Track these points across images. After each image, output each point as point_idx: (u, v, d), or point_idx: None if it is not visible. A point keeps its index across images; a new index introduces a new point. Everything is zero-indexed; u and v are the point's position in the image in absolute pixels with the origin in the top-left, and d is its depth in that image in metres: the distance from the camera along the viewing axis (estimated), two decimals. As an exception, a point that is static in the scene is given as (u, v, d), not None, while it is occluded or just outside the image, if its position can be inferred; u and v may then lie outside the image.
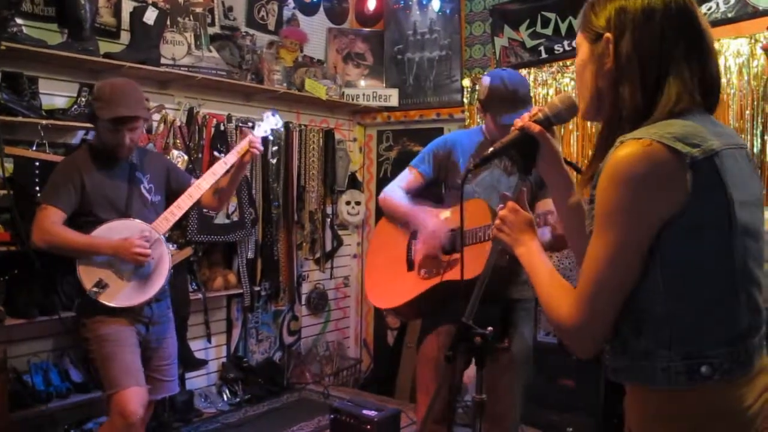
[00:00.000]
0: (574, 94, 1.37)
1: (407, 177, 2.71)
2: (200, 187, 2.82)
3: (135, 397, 2.56)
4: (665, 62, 1.18)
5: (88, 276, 2.60)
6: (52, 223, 2.57)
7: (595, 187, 1.17)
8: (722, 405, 1.13)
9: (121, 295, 2.62)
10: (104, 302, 2.59)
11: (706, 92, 1.21)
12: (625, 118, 1.19)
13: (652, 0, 1.20)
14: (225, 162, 2.85)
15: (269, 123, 3.06)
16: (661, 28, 1.19)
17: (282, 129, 3.20)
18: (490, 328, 1.35)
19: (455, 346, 1.34)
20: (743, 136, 3.42)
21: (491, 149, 1.37)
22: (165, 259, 2.74)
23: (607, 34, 1.22)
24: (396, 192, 2.68)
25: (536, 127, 1.36)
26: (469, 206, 2.49)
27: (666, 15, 1.19)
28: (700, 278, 1.12)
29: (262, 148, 2.91)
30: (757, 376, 1.15)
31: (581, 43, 1.29)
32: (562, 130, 4.04)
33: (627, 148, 1.10)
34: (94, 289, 2.58)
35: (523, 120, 1.37)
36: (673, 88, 1.17)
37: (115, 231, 2.64)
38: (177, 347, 2.97)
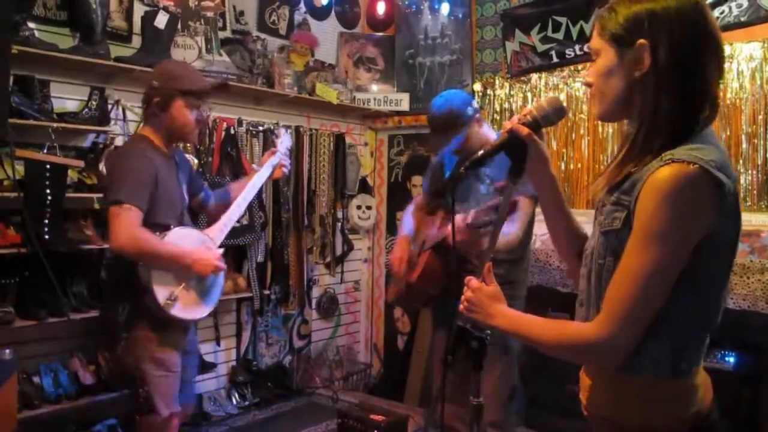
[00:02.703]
0: (562, 96, 1.37)
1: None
2: (246, 198, 2.85)
3: (176, 421, 2.64)
4: (697, 70, 1.20)
5: (161, 288, 2.46)
6: (137, 226, 2.38)
7: (625, 192, 1.20)
8: (685, 388, 1.26)
9: (191, 307, 2.57)
10: (178, 316, 2.50)
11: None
12: (663, 126, 1.20)
13: (681, 5, 1.20)
14: (261, 175, 2.92)
15: (286, 141, 3.15)
16: (693, 34, 1.20)
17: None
18: (488, 331, 1.34)
19: (454, 350, 1.33)
20: (756, 140, 3.38)
21: (481, 152, 1.36)
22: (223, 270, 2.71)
23: (642, 40, 1.21)
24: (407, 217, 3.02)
25: (525, 130, 1.35)
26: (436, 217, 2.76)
27: (695, 22, 1.20)
28: (702, 290, 1.21)
29: (290, 166, 3.06)
30: None
31: (603, 48, 1.28)
32: (573, 135, 4.03)
33: (675, 169, 1.13)
34: (168, 302, 2.48)
35: (511, 122, 1.36)
36: (702, 97, 1.21)
37: (183, 239, 2.54)
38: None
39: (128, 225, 2.37)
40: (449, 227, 2.49)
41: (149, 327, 2.52)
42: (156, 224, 2.49)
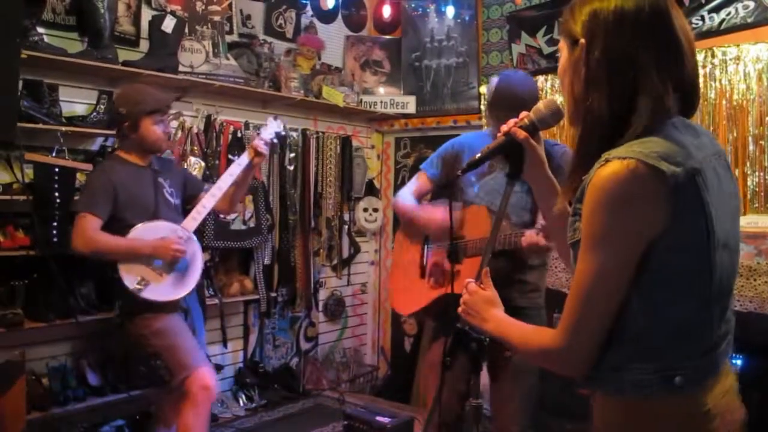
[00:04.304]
0: (559, 100, 1.36)
1: (416, 181, 2.76)
2: (220, 187, 3.01)
3: (209, 372, 2.82)
4: (635, 69, 1.15)
5: (129, 275, 2.75)
6: (93, 230, 2.72)
7: (579, 200, 1.17)
8: (687, 409, 1.14)
9: (162, 290, 2.81)
10: (148, 298, 2.75)
11: (683, 96, 1.20)
12: (599, 127, 1.18)
13: (625, 3, 1.17)
14: (239, 164, 3.05)
15: (272, 127, 3.20)
16: (632, 33, 1.16)
17: (283, 132, 3.42)
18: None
19: (452, 352, 1.34)
20: (762, 142, 3.37)
21: (477, 155, 1.37)
22: (198, 254, 2.96)
23: (582, 40, 1.20)
24: (405, 196, 2.72)
25: (522, 134, 1.35)
26: (469, 213, 2.51)
27: (637, 19, 1.16)
28: (677, 295, 1.12)
29: (266, 148, 3.08)
30: (720, 377, 1.18)
31: (562, 48, 1.28)
32: (579, 136, 4.02)
33: (611, 168, 1.09)
34: (138, 287, 2.74)
35: (508, 125, 1.37)
36: (647, 98, 1.14)
37: (149, 232, 2.82)
38: (205, 338, 3.22)
39: (83, 230, 2.72)
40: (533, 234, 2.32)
41: (142, 311, 2.79)
42: (128, 225, 2.80)
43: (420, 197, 2.73)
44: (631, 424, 1.17)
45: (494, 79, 2.54)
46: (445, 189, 2.75)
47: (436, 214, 2.54)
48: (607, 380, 1.17)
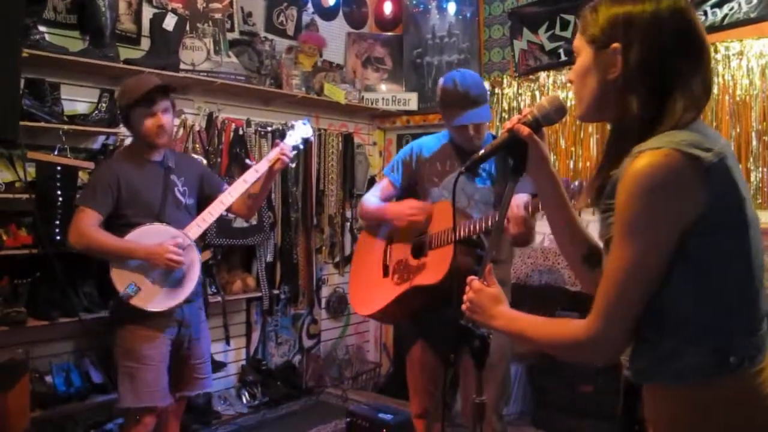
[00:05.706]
0: (561, 96, 1.36)
1: (380, 185, 2.78)
2: (231, 194, 2.85)
3: (147, 417, 2.70)
4: (673, 74, 1.19)
5: (120, 279, 2.64)
6: (88, 225, 2.62)
7: (609, 197, 1.19)
8: (751, 391, 1.15)
9: (153, 298, 2.66)
10: (137, 305, 2.63)
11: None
12: (633, 128, 1.20)
13: (660, 10, 1.20)
14: (256, 170, 2.88)
15: (300, 132, 3.05)
16: (670, 39, 1.19)
17: (312, 138, 3.21)
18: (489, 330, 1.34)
19: (456, 348, 1.34)
20: (766, 138, 3.35)
21: (481, 152, 1.37)
22: (196, 264, 2.79)
23: (615, 44, 1.22)
24: (370, 199, 2.75)
25: (525, 130, 1.35)
26: (436, 209, 2.52)
27: (674, 26, 1.20)
28: (723, 275, 1.15)
29: (291, 156, 2.93)
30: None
31: (582, 47, 1.29)
32: (582, 133, 4.01)
33: (645, 159, 1.12)
34: (127, 292, 2.62)
35: (512, 122, 1.36)
36: (681, 101, 1.18)
37: (148, 235, 2.68)
38: (210, 347, 3.08)
39: (77, 224, 2.63)
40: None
41: (127, 320, 2.70)
42: (129, 224, 2.69)
43: (384, 201, 2.75)
44: (699, 412, 1.17)
45: (440, 80, 2.59)
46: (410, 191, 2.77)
47: (403, 206, 2.59)
48: (666, 369, 1.18)
